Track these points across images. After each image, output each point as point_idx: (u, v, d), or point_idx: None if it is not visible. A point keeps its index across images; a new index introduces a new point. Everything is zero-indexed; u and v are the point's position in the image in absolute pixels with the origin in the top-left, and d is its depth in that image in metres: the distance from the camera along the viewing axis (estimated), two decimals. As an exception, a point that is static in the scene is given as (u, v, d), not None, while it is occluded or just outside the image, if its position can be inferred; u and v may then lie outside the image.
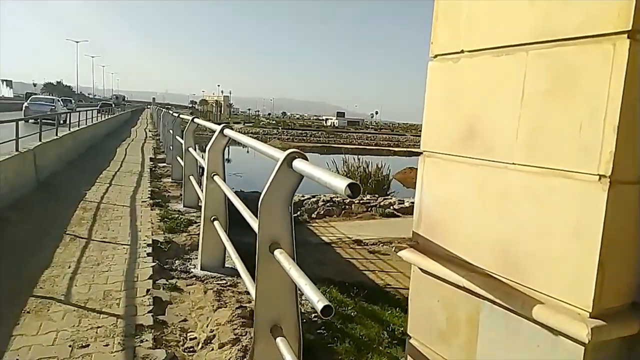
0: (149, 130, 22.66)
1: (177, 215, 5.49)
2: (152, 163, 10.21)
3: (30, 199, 5.93)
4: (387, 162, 26.39)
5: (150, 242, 4.33)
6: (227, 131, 3.68)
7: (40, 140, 7.99)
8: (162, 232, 4.74)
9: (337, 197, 17.19)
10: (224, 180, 3.75)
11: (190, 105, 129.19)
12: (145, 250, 4.08)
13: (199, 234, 4.86)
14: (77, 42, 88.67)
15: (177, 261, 4.14)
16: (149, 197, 6.36)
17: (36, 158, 7.17)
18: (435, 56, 1.68)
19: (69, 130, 10.81)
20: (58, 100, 25.07)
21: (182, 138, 8.27)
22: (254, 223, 2.29)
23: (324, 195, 17.18)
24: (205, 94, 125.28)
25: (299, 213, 15.76)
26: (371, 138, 74.38)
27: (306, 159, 1.94)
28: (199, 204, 6.28)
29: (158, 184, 7.73)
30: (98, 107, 23.59)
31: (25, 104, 22.54)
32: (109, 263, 3.77)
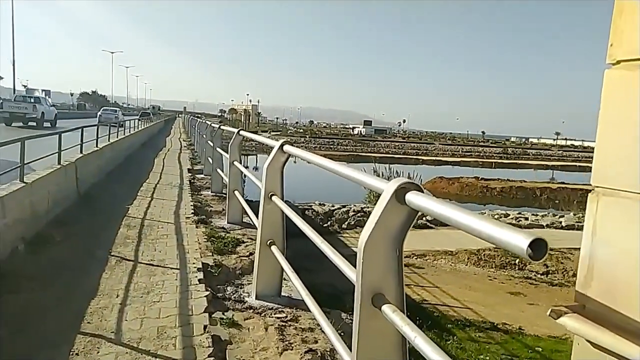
0: (183, 140, 22.76)
1: (223, 234, 5.18)
2: (190, 175, 10.03)
3: (72, 214, 5.75)
4: (416, 171, 25.85)
5: (200, 265, 4.02)
6: (287, 147, 3.33)
7: (81, 152, 7.88)
8: (211, 254, 4.43)
9: (369, 207, 16.76)
10: (283, 200, 3.40)
11: (220, 114, 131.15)
12: (196, 276, 3.76)
13: (248, 255, 4.54)
14: (112, 52, 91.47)
15: (229, 288, 3.81)
16: (192, 213, 6.10)
17: (77, 171, 7.03)
18: (618, 62, 1.28)
19: (108, 140, 10.76)
20: (118, 110, 35.47)
21: (223, 150, 8.01)
22: (346, 268, 1.89)
23: (355, 205, 16.75)
24: (234, 103, 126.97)
25: (329, 223, 15.39)
26: (399, 147, 73.57)
27: (421, 190, 1.55)
28: (243, 221, 5.97)
29: (199, 198, 7.49)
30: (139, 117, 27.44)
31: (99, 113, 31.19)
32: (159, 291, 3.45)
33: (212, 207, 6.98)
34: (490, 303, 9.39)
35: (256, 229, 5.06)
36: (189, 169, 10.98)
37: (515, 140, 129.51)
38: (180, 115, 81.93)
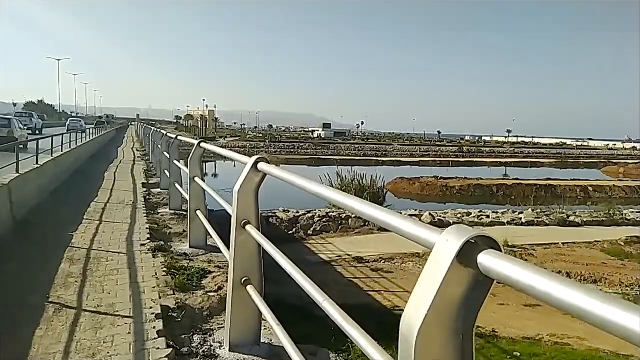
0: (137, 150, 21.50)
1: (186, 264, 4.50)
2: (145, 190, 9.17)
3: (3, 249, 4.88)
4: (376, 172, 25.78)
5: (159, 310, 3.33)
6: (262, 166, 2.73)
7: (17, 171, 6.92)
8: (172, 292, 3.75)
9: (334, 212, 16.27)
10: (259, 230, 2.79)
11: (175, 121, 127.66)
12: (154, 327, 3.08)
13: (217, 290, 3.90)
14: (58, 60, 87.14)
15: (195, 337, 3.15)
16: (148, 238, 5.35)
17: (12, 194, 6.12)
18: None
19: (51, 156, 9.72)
20: (82, 120, 42.46)
21: (183, 160, 7.27)
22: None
23: (320, 210, 16.23)
24: (190, 109, 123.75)
25: (294, 230, 14.78)
26: (359, 148, 73.93)
27: (498, 247, 1.02)
28: (208, 243, 5.32)
29: (155, 218, 6.71)
30: (94, 125, 33.61)
31: (67, 122, 39.21)
32: (108, 352, 2.76)
33: (171, 228, 6.25)
34: (459, 306, 9.19)
35: (223, 254, 4.44)
36: (143, 184, 10.09)
37: (470, 139, 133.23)
38: (133, 123, 79.23)
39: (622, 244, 14.42)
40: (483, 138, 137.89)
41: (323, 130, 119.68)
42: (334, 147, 75.29)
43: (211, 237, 5.17)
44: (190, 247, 5.17)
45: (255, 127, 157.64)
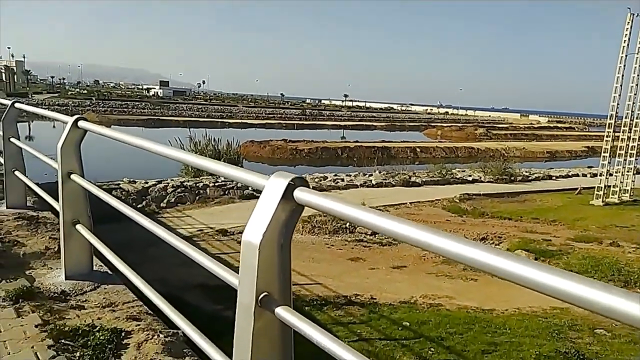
0: None
1: (75, 318, 2.72)
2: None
3: None
4: (223, 135, 24.95)
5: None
6: (301, 194, 1.96)
7: None
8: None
9: (188, 182, 15.15)
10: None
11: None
12: None
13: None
14: None
15: None
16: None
17: None
18: None
19: None
20: None
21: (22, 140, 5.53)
22: None
23: (172, 180, 14.92)
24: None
25: (144, 203, 13.29)
26: (202, 109, 70.98)
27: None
28: (95, 269, 3.64)
29: (-12, 223, 4.68)
30: None
31: None
32: None
33: (23, 244, 4.04)
34: (335, 273, 9.38)
35: (130, 283, 3.04)
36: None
37: (311, 102, 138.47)
38: None
39: (458, 201, 16.48)
40: (323, 101, 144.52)
41: (160, 89, 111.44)
42: (175, 107, 70.85)
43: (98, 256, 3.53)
44: (66, 278, 3.45)
45: (78, 83, 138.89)
